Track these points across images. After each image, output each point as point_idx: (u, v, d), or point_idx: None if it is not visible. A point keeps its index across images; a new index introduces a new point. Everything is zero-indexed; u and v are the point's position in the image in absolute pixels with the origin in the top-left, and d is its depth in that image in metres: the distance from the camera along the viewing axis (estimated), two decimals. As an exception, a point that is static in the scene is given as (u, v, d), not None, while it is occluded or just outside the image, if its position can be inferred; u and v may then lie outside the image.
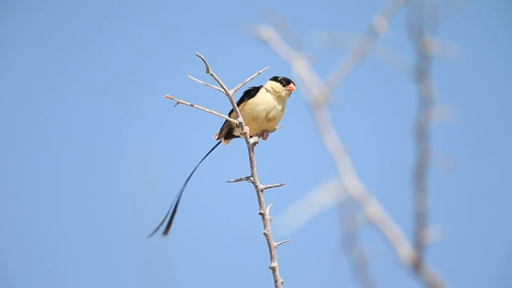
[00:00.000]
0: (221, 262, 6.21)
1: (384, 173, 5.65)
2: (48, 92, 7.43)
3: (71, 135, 7.08)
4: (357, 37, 5.11)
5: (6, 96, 7.38)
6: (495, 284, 5.51)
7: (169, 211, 4.70)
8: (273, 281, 4.24)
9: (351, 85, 5.40)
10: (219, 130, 4.73)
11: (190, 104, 4.21)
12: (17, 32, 7.54)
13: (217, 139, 4.74)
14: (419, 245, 4.72)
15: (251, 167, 4.27)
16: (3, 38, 7.52)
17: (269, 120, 4.55)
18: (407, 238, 4.79)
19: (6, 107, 7.32)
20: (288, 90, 4.57)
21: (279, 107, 4.55)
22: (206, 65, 4.15)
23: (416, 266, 4.73)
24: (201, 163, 4.68)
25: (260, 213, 4.25)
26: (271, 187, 4.27)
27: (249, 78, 4.26)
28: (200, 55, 4.13)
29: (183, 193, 4.71)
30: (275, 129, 4.58)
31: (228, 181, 4.34)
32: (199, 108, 4.23)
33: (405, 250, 4.77)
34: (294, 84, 4.58)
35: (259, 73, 4.33)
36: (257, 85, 4.63)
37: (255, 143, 4.28)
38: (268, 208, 4.25)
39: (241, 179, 4.29)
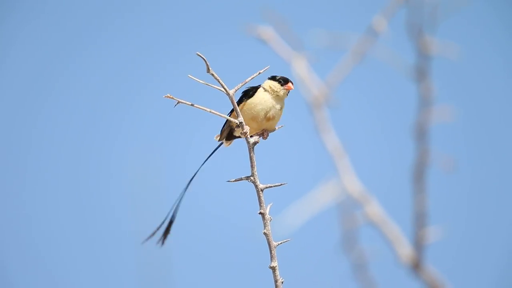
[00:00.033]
0: (221, 261, 6.21)
1: (384, 173, 5.65)
2: (48, 92, 7.44)
3: (71, 135, 7.08)
4: (357, 37, 5.12)
5: (6, 96, 7.39)
6: (495, 284, 5.51)
7: (167, 217, 4.70)
8: (273, 280, 4.24)
9: (351, 85, 5.41)
10: (220, 132, 4.74)
11: (190, 103, 4.21)
12: (17, 32, 7.54)
13: (219, 140, 4.74)
14: (418, 245, 4.72)
15: (252, 166, 4.27)
16: (3, 38, 7.52)
17: (268, 119, 4.56)
18: (406, 238, 4.80)
19: (6, 107, 7.33)
20: (286, 89, 4.57)
21: (278, 106, 4.56)
22: (207, 65, 4.15)
23: (416, 266, 4.73)
24: (202, 166, 4.67)
25: (260, 213, 4.25)
26: (271, 186, 4.27)
27: (250, 78, 4.26)
28: (200, 54, 4.13)
29: (183, 198, 4.70)
30: (275, 129, 4.58)
31: (229, 181, 4.34)
32: (199, 108, 4.23)
33: (405, 250, 4.77)
34: (292, 83, 4.58)
35: (259, 73, 4.34)
36: (256, 85, 4.63)
37: (255, 143, 4.28)
38: (268, 207, 4.25)
39: (241, 179, 4.29)
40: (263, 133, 4.55)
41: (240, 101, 4.58)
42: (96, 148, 6.80)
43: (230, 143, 4.77)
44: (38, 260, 6.60)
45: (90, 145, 6.87)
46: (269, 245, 4.24)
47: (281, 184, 4.28)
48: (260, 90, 4.58)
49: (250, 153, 4.28)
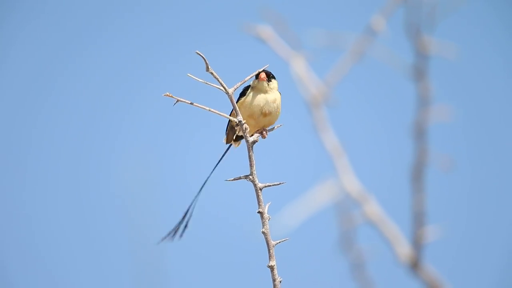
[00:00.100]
0: (219, 260, 6.21)
1: (383, 172, 5.66)
2: (48, 92, 7.44)
3: (71, 135, 7.08)
4: (355, 37, 5.13)
5: (6, 96, 7.39)
6: (495, 284, 5.51)
7: (184, 217, 4.70)
8: (271, 279, 4.24)
9: (349, 84, 5.41)
10: (225, 135, 4.74)
11: (189, 102, 4.21)
12: (17, 32, 7.55)
13: (226, 143, 4.74)
14: (417, 244, 4.72)
15: (250, 165, 4.27)
16: (3, 38, 7.53)
17: (265, 115, 4.56)
18: (405, 237, 4.80)
19: (6, 107, 7.33)
20: (259, 80, 4.56)
21: (270, 99, 4.55)
22: (206, 63, 4.15)
23: (415, 265, 4.74)
24: (214, 170, 4.67)
25: (259, 212, 4.25)
26: (270, 185, 4.27)
27: (248, 77, 4.26)
28: (200, 53, 4.13)
29: (197, 200, 4.70)
30: (273, 128, 4.58)
31: (227, 180, 4.34)
32: (198, 106, 4.23)
33: (404, 249, 4.78)
34: (265, 74, 4.55)
35: (258, 72, 4.35)
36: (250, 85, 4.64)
37: (254, 142, 4.28)
38: (267, 206, 4.25)
39: (240, 178, 4.29)
40: (262, 132, 4.56)
41: (237, 101, 4.58)
42: (96, 148, 6.81)
43: (239, 143, 4.77)
44: (38, 260, 6.61)
45: (89, 145, 6.88)
46: (268, 244, 4.23)
47: (280, 183, 4.28)
48: (250, 88, 4.60)
49: (249, 152, 4.28)
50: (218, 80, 4.18)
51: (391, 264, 4.79)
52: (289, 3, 7.15)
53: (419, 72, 4.72)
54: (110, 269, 6.30)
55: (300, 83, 5.19)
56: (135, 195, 5.59)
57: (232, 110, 4.41)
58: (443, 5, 4.73)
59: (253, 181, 4.26)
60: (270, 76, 4.56)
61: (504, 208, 6.19)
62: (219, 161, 4.66)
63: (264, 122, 4.57)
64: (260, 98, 4.55)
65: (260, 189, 4.27)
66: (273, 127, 4.55)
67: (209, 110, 4.25)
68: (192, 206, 4.68)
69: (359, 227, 4.85)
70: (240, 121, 4.27)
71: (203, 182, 4.65)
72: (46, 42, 7.59)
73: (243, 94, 4.59)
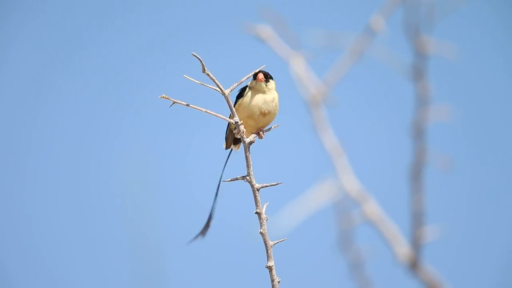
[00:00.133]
0: (217, 261, 6.21)
1: (382, 171, 5.65)
2: (48, 92, 7.45)
3: (71, 135, 7.09)
4: (354, 36, 5.12)
5: (6, 96, 7.40)
6: (494, 284, 5.50)
7: (209, 217, 4.70)
8: (269, 280, 4.24)
9: (349, 84, 5.41)
10: (225, 140, 4.73)
11: (186, 104, 4.21)
12: (17, 32, 7.56)
13: (226, 148, 4.74)
14: (416, 244, 4.72)
15: (247, 166, 4.27)
16: (3, 38, 7.54)
17: (264, 114, 4.55)
18: (404, 237, 4.80)
19: (6, 107, 7.34)
20: (257, 81, 4.55)
21: (268, 99, 4.54)
22: (202, 65, 4.15)
23: (414, 265, 4.73)
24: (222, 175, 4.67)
25: (257, 212, 4.25)
26: (267, 186, 4.27)
27: (245, 78, 4.26)
28: (196, 54, 4.13)
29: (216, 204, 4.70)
30: (270, 128, 4.57)
31: (224, 181, 4.34)
32: (195, 108, 4.22)
33: (403, 249, 4.77)
34: (263, 74, 4.54)
35: (255, 73, 4.34)
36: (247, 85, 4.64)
37: (251, 143, 4.28)
38: (265, 207, 4.25)
39: (237, 179, 4.29)
40: (259, 133, 4.55)
41: (235, 102, 4.58)
42: (96, 148, 6.81)
43: (239, 146, 4.76)
44: (38, 260, 6.61)
45: (89, 145, 6.88)
46: (266, 244, 4.23)
47: (277, 184, 4.27)
48: (248, 89, 4.60)
49: (245, 153, 4.28)
50: (214, 81, 4.18)
51: (390, 264, 4.79)
52: (289, 3, 7.15)
53: (418, 72, 4.72)
54: (110, 269, 6.30)
55: (299, 82, 5.19)
56: (135, 195, 5.60)
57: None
58: (442, 5, 4.73)
59: (250, 182, 4.26)
60: (268, 77, 4.55)
61: (503, 208, 6.18)
62: (224, 167, 4.66)
63: (263, 122, 4.57)
64: (259, 98, 4.54)
65: (258, 190, 4.26)
66: (270, 127, 4.55)
67: (206, 112, 4.24)
68: (213, 209, 4.68)
69: (358, 227, 4.85)
70: (236, 122, 4.26)
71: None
72: (46, 42, 7.60)
73: (240, 95, 4.58)
